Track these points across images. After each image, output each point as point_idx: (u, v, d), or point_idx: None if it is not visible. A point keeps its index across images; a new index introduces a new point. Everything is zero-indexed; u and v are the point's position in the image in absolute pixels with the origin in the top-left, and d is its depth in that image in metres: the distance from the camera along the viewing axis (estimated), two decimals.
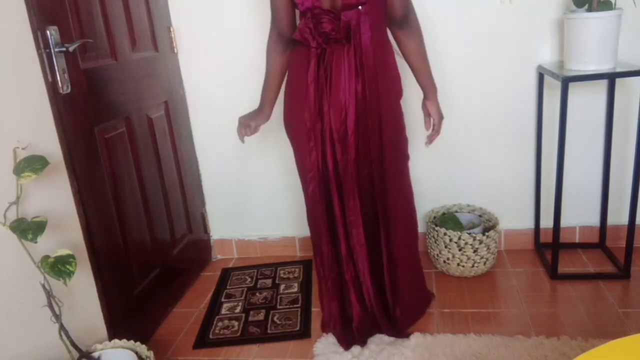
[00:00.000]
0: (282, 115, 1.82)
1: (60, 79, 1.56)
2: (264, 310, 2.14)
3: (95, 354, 1.61)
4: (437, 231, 2.21)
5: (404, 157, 1.83)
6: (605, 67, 1.93)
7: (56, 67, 1.54)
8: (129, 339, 1.67)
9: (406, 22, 1.63)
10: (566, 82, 1.91)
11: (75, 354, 1.52)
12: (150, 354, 1.62)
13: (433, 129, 1.86)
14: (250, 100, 2.20)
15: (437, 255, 2.25)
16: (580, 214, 2.36)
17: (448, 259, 2.21)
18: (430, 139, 1.88)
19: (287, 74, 1.78)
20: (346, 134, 1.68)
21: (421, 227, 2.13)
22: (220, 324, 2.08)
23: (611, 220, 2.32)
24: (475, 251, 2.16)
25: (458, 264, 2.20)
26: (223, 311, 2.17)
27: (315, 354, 1.84)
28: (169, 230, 2.24)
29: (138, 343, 1.66)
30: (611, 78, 2.10)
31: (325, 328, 1.91)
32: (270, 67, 1.79)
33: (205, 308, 2.21)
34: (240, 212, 2.59)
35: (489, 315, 1.98)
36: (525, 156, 2.33)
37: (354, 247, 1.79)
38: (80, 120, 1.67)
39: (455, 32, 2.19)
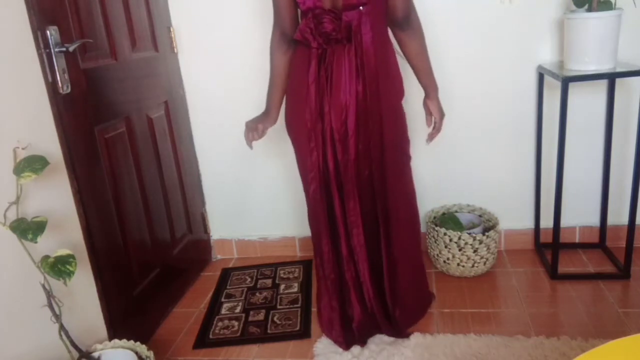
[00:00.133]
0: (283, 115, 1.82)
1: (60, 79, 1.56)
2: (264, 310, 2.14)
3: (95, 354, 1.61)
4: (437, 231, 2.21)
5: (406, 158, 1.83)
6: (605, 67, 1.93)
7: (56, 67, 1.55)
8: (129, 339, 1.67)
9: (407, 22, 1.63)
10: (566, 82, 1.91)
11: (75, 354, 1.52)
12: (150, 354, 1.62)
13: (434, 127, 1.87)
14: (251, 100, 2.20)
15: (437, 255, 2.25)
16: (580, 214, 2.36)
17: (448, 259, 2.21)
18: (431, 137, 1.89)
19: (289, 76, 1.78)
20: (347, 135, 1.68)
21: (421, 227, 2.13)
22: (220, 324, 2.08)
23: (611, 220, 2.32)
24: (475, 251, 2.16)
25: (458, 264, 2.20)
26: (223, 311, 2.17)
27: (315, 354, 1.84)
28: (169, 230, 2.24)
29: (138, 343, 1.66)
30: (611, 78, 2.10)
31: (324, 328, 1.91)
32: (274, 67, 1.78)
33: (205, 308, 2.21)
34: (240, 212, 2.59)
35: (489, 315, 1.98)
36: (525, 156, 2.33)
37: (354, 247, 1.79)
38: (80, 120, 1.67)
39: (455, 32, 2.19)
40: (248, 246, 2.63)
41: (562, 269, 2.20)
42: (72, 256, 1.39)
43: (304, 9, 1.62)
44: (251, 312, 2.14)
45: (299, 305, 2.16)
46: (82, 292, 1.68)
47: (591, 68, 1.93)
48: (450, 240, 2.17)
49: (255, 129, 1.88)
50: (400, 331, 1.87)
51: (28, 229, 1.32)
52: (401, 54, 1.73)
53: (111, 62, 1.87)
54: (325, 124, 1.68)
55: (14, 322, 1.42)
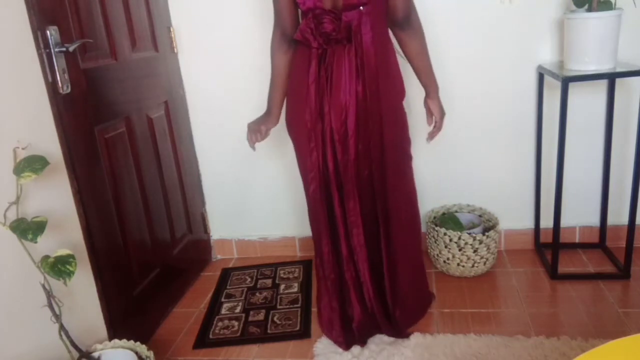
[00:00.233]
0: (283, 115, 1.82)
1: (60, 79, 1.56)
2: (264, 310, 2.14)
3: (95, 354, 1.61)
4: (437, 231, 2.21)
5: (406, 158, 1.83)
6: (605, 67, 1.93)
7: (56, 67, 1.54)
8: (129, 339, 1.67)
9: (408, 22, 1.62)
10: (566, 82, 1.91)
11: (75, 354, 1.52)
12: (150, 354, 1.62)
13: (435, 126, 1.87)
14: (251, 100, 2.20)
15: (437, 255, 2.25)
16: (580, 214, 2.36)
17: (448, 259, 2.21)
18: (431, 136, 1.88)
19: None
20: (347, 135, 1.68)
21: (421, 227, 2.13)
22: (220, 324, 2.08)
23: (611, 220, 2.32)
24: (475, 251, 2.16)
25: (458, 264, 2.20)
26: (223, 311, 2.17)
27: (315, 354, 1.84)
28: (169, 230, 2.24)
29: (138, 343, 1.66)
30: (611, 78, 2.10)
31: (324, 328, 1.91)
32: (275, 67, 1.78)
33: (205, 308, 2.21)
34: (240, 212, 2.59)
35: (489, 315, 1.98)
36: (525, 156, 2.33)
37: (354, 247, 1.79)
38: (80, 120, 1.67)
39: (455, 33, 2.19)
40: (248, 246, 2.63)
41: (562, 269, 2.20)
42: (72, 256, 1.39)
43: (305, 10, 1.62)
44: (251, 312, 2.14)
45: (299, 305, 2.16)
46: (82, 292, 1.68)
47: (591, 68, 1.93)
48: (450, 240, 2.17)
49: (258, 130, 1.87)
50: (400, 331, 1.87)
51: (28, 229, 1.32)
52: (402, 53, 1.73)
53: (111, 62, 1.87)
54: (325, 124, 1.68)
55: (14, 322, 1.42)
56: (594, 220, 2.37)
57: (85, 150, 1.69)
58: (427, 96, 1.82)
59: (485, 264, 2.20)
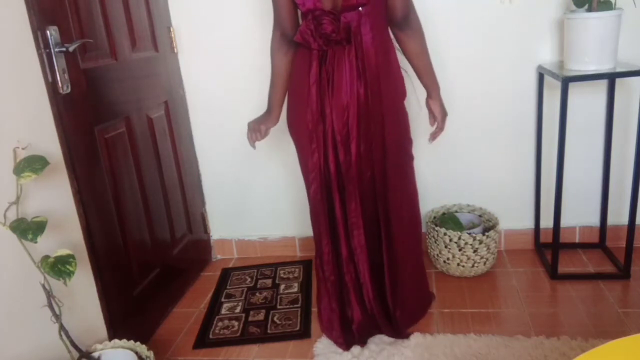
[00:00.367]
0: (284, 115, 1.82)
1: (60, 79, 1.56)
2: (264, 310, 2.14)
3: (95, 354, 1.61)
4: (437, 231, 2.21)
5: (408, 158, 1.82)
6: (605, 67, 1.93)
7: (56, 67, 1.55)
8: (129, 339, 1.67)
9: (407, 22, 1.62)
10: (566, 82, 1.91)
11: (75, 354, 1.52)
12: (150, 354, 1.62)
13: (437, 127, 1.86)
14: (251, 100, 2.20)
15: (437, 255, 2.25)
16: (580, 214, 2.36)
17: (448, 259, 2.21)
18: (433, 136, 1.88)
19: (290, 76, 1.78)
20: (348, 136, 1.68)
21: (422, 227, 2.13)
22: (220, 324, 2.08)
23: (611, 220, 2.32)
24: (475, 251, 2.16)
25: (458, 264, 2.20)
26: (223, 311, 2.17)
27: (315, 354, 1.84)
28: (169, 230, 2.24)
29: (138, 343, 1.66)
30: (611, 78, 2.10)
31: (324, 329, 1.91)
32: (275, 67, 1.78)
33: (205, 308, 2.21)
34: (240, 212, 2.59)
35: (489, 315, 1.98)
36: (525, 156, 2.33)
37: (354, 248, 1.79)
38: (80, 120, 1.67)
39: (455, 33, 2.19)
40: (248, 246, 2.63)
41: (562, 269, 2.20)
42: (72, 256, 1.39)
43: (304, 11, 1.62)
44: (251, 312, 2.14)
45: (299, 305, 2.16)
46: (82, 292, 1.68)
47: (591, 68, 1.93)
48: (450, 240, 2.17)
49: (257, 129, 1.88)
50: (400, 331, 1.87)
51: (28, 229, 1.32)
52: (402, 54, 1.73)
53: (111, 62, 1.87)
54: (327, 126, 1.68)
55: (14, 322, 1.42)
56: (594, 220, 2.37)
57: (85, 150, 1.69)
58: (428, 96, 1.82)
59: (485, 264, 2.20)
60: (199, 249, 2.54)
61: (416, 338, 1.85)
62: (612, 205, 2.30)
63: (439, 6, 2.16)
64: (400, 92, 1.75)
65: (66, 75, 1.58)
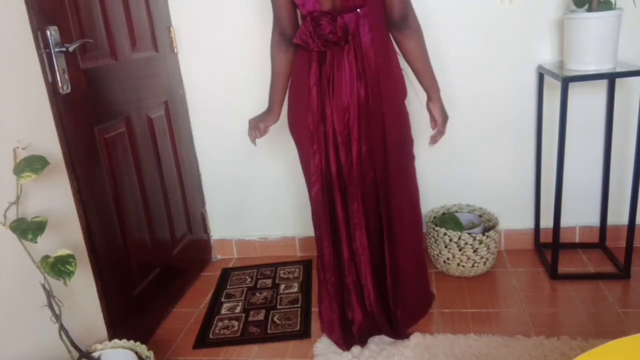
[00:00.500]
0: (284, 114, 1.82)
1: (60, 79, 1.56)
2: (264, 310, 2.14)
3: (95, 354, 1.61)
4: (437, 231, 2.21)
5: (409, 158, 1.82)
6: (605, 67, 1.93)
7: (56, 67, 1.55)
8: (129, 339, 1.67)
9: (405, 23, 1.62)
10: (566, 82, 1.91)
11: (75, 354, 1.52)
12: (150, 354, 1.62)
13: (437, 130, 1.84)
14: (251, 100, 2.20)
15: (437, 255, 2.25)
16: (580, 214, 2.36)
17: (448, 259, 2.21)
18: (433, 140, 1.86)
19: (290, 76, 1.78)
20: (349, 137, 1.68)
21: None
22: (220, 324, 2.08)
23: (611, 220, 2.32)
24: (475, 251, 2.16)
25: (458, 264, 2.20)
26: (223, 311, 2.17)
27: (315, 354, 1.84)
28: (169, 230, 2.24)
29: (138, 343, 1.66)
30: (611, 78, 2.10)
31: (325, 330, 1.91)
32: (275, 67, 1.78)
33: (205, 308, 2.21)
34: (240, 212, 2.59)
35: (489, 315, 1.98)
36: (525, 156, 2.33)
37: (356, 249, 1.79)
38: (80, 120, 1.67)
39: (455, 32, 2.19)
40: (248, 246, 2.63)
41: (562, 269, 2.20)
42: (72, 256, 1.39)
43: (305, 13, 1.62)
44: (251, 312, 2.14)
45: (299, 305, 2.16)
46: (82, 292, 1.68)
47: (591, 68, 1.93)
48: (450, 240, 2.17)
49: (257, 127, 1.89)
50: (400, 332, 1.87)
51: (28, 229, 1.32)
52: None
53: (111, 62, 1.87)
54: (328, 127, 1.68)
55: (14, 322, 1.41)
56: (594, 220, 2.37)
57: (85, 150, 1.69)
58: (429, 99, 1.80)
59: (485, 264, 2.20)
60: (199, 249, 2.54)
61: (416, 338, 1.85)
62: (612, 205, 2.30)
63: (439, 6, 2.16)
64: (400, 93, 1.75)
65: (66, 75, 1.58)
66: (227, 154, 2.49)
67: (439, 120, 1.82)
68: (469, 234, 2.17)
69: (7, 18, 1.42)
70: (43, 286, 1.41)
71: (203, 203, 2.59)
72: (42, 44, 1.51)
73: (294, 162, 1.86)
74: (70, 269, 1.37)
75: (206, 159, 2.53)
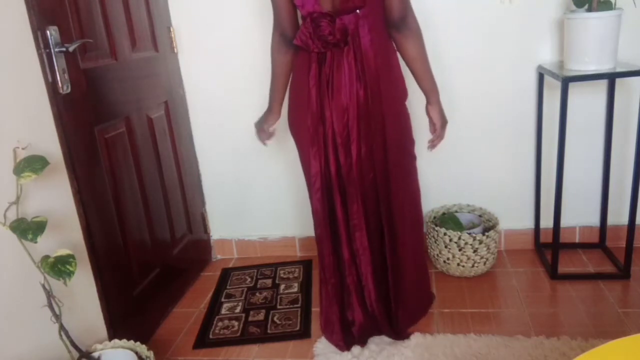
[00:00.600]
0: (285, 114, 1.82)
1: (60, 79, 1.56)
2: (264, 310, 2.14)
3: (95, 354, 1.61)
4: (437, 231, 2.21)
5: (410, 158, 1.82)
6: (605, 67, 1.93)
7: (56, 67, 1.55)
8: (129, 339, 1.67)
9: (404, 24, 1.61)
10: (566, 82, 1.91)
11: (75, 354, 1.52)
12: (150, 354, 1.62)
13: (435, 134, 1.83)
14: (251, 100, 2.21)
15: (437, 255, 2.25)
16: (580, 214, 2.36)
17: (448, 259, 2.21)
18: (432, 144, 1.84)
19: (290, 77, 1.78)
20: (349, 138, 1.68)
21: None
22: (220, 324, 2.08)
23: (611, 220, 2.32)
24: (475, 251, 2.16)
25: (458, 264, 2.20)
26: (223, 311, 2.17)
27: (315, 354, 1.84)
28: (169, 230, 2.24)
29: (138, 343, 1.66)
30: (611, 78, 2.10)
31: (325, 331, 1.91)
32: (275, 67, 1.79)
33: (205, 308, 2.21)
34: (240, 212, 2.59)
35: (489, 315, 1.98)
36: (525, 156, 2.33)
37: (356, 250, 1.79)
38: (80, 120, 1.67)
39: (455, 32, 2.19)
40: (248, 246, 2.63)
41: (562, 269, 2.20)
42: (72, 256, 1.39)
43: (304, 14, 1.62)
44: (251, 312, 2.14)
45: (299, 305, 2.16)
46: (82, 292, 1.68)
47: (591, 68, 1.93)
48: (450, 240, 2.17)
49: (262, 130, 1.92)
50: (401, 332, 1.87)
51: (28, 229, 1.32)
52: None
53: (111, 62, 1.87)
54: (327, 128, 1.68)
55: (14, 322, 1.41)
56: (594, 220, 2.37)
57: (85, 150, 1.69)
58: (427, 102, 1.79)
59: (485, 264, 2.20)
60: (199, 249, 2.54)
61: (416, 338, 1.85)
62: (612, 205, 2.31)
63: (439, 6, 2.16)
64: (400, 93, 1.74)
65: (66, 75, 1.58)
66: (227, 154, 2.49)
67: (438, 124, 1.80)
68: (469, 234, 2.17)
69: (7, 18, 1.42)
70: (43, 286, 1.41)
71: (203, 203, 2.59)
72: (42, 44, 1.51)
73: (294, 162, 1.86)
74: (70, 269, 1.37)
75: (206, 159, 2.53)
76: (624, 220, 2.14)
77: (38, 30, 1.50)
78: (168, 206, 2.23)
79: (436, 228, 2.22)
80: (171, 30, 2.32)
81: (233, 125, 2.42)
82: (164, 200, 2.20)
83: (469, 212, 2.36)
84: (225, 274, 2.48)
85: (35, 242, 1.31)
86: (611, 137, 2.22)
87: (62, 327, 1.46)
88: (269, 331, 2.01)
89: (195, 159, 2.52)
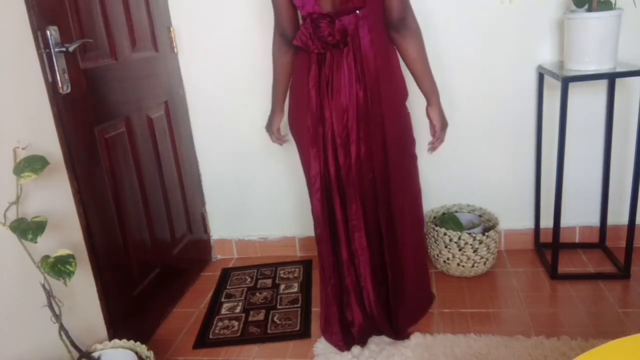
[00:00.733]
0: (286, 115, 1.83)
1: (60, 79, 1.56)
2: (264, 310, 2.14)
3: (95, 354, 1.61)
4: (437, 231, 2.21)
5: (411, 158, 1.82)
6: (605, 67, 1.93)
7: (56, 67, 1.55)
8: (129, 339, 1.67)
9: (404, 24, 1.61)
10: (566, 82, 1.91)
11: (75, 354, 1.52)
12: (150, 354, 1.62)
13: (435, 137, 1.82)
14: (251, 100, 2.21)
15: (437, 255, 2.25)
16: (580, 214, 2.36)
17: (448, 259, 2.21)
18: (432, 147, 1.83)
19: (291, 78, 1.78)
20: (348, 138, 1.68)
21: None
22: (220, 324, 2.08)
23: (611, 220, 2.32)
24: (475, 251, 2.16)
25: (458, 264, 2.20)
26: (223, 311, 2.17)
27: (315, 354, 1.84)
28: (169, 230, 2.24)
29: (138, 343, 1.66)
30: (611, 78, 2.10)
31: (324, 332, 1.91)
32: (276, 67, 1.79)
33: (205, 308, 2.21)
34: (240, 212, 2.59)
35: (489, 315, 1.98)
36: (525, 156, 2.33)
37: (355, 251, 1.79)
38: (80, 120, 1.67)
39: (455, 32, 2.19)
40: (248, 246, 2.63)
41: (562, 269, 2.20)
42: (72, 256, 1.39)
43: (304, 14, 1.62)
44: (251, 312, 2.14)
45: (299, 305, 2.16)
46: (82, 292, 1.68)
47: (591, 68, 1.93)
48: (450, 240, 2.17)
49: (272, 132, 1.94)
50: (400, 332, 1.87)
51: (28, 229, 1.32)
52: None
53: (111, 62, 1.87)
54: (327, 128, 1.68)
55: (14, 322, 1.42)
56: (594, 220, 2.37)
57: (85, 150, 1.69)
58: (428, 104, 1.78)
59: (485, 264, 2.20)
60: (199, 249, 2.54)
61: (416, 338, 1.85)
62: (612, 205, 2.31)
63: (439, 6, 2.16)
64: (400, 94, 1.74)
65: (66, 75, 1.58)
66: (227, 154, 2.49)
67: (438, 127, 1.79)
68: (469, 234, 2.17)
69: (7, 18, 1.42)
70: (43, 286, 1.41)
71: (203, 203, 2.59)
72: (42, 44, 1.51)
73: (294, 162, 1.86)
74: (70, 269, 1.37)
75: (206, 159, 2.53)
76: (624, 220, 2.14)
77: (38, 30, 1.50)
78: (168, 206, 2.23)
79: (436, 228, 2.22)
80: (171, 30, 2.32)
81: (233, 125, 2.42)
82: (164, 200, 2.20)
83: (469, 212, 2.36)
84: (225, 274, 2.48)
85: (35, 242, 1.31)
86: (611, 137, 2.22)
87: (62, 327, 1.46)
88: (269, 331, 2.01)
89: (195, 159, 2.52)
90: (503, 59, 2.21)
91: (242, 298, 2.25)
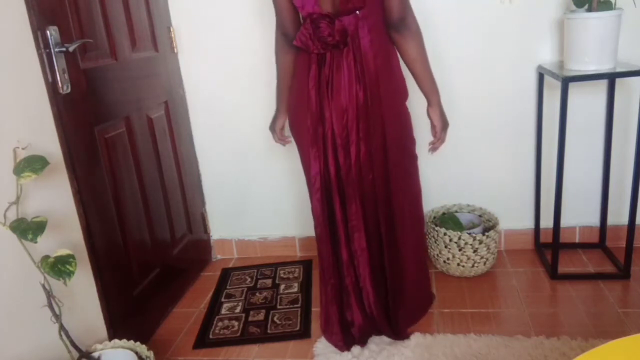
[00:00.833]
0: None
1: (60, 79, 1.56)
2: (264, 310, 2.14)
3: (95, 354, 1.61)
4: (437, 231, 2.21)
5: (411, 158, 1.82)
6: (605, 67, 1.93)
7: (56, 67, 1.55)
8: (129, 339, 1.67)
9: (403, 25, 1.60)
10: (566, 82, 1.91)
11: (75, 354, 1.52)
12: (150, 354, 1.62)
13: (436, 137, 1.81)
14: (251, 100, 2.21)
15: (437, 255, 2.25)
16: (580, 214, 2.36)
17: (448, 259, 2.21)
18: (433, 147, 1.83)
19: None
20: (348, 139, 1.68)
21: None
22: (220, 324, 2.08)
23: (611, 220, 2.32)
24: (475, 251, 2.16)
25: (458, 264, 2.20)
26: (223, 311, 2.17)
27: (315, 354, 1.84)
28: (169, 230, 2.24)
29: (138, 343, 1.66)
30: (611, 78, 2.10)
31: (324, 332, 1.91)
32: (279, 67, 1.79)
33: (205, 308, 2.21)
34: (240, 212, 2.59)
35: (489, 315, 1.98)
36: (525, 156, 2.33)
37: (355, 251, 1.79)
38: (80, 120, 1.67)
39: (455, 32, 2.19)
40: (248, 246, 2.63)
41: (562, 269, 2.20)
42: (72, 256, 1.39)
43: (304, 15, 1.62)
44: (251, 312, 2.14)
45: (299, 305, 2.16)
46: (82, 292, 1.68)
47: (591, 68, 1.93)
48: (450, 240, 2.17)
49: (275, 132, 1.94)
50: (400, 332, 1.87)
51: (28, 229, 1.32)
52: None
53: (111, 62, 1.87)
54: (327, 129, 1.68)
55: (14, 322, 1.42)
56: (594, 220, 2.37)
57: (85, 150, 1.69)
58: (428, 105, 1.77)
59: (485, 264, 2.20)
60: (199, 249, 2.54)
61: (416, 338, 1.85)
62: (612, 205, 2.31)
63: (439, 6, 2.16)
64: (400, 94, 1.74)
65: (66, 75, 1.58)
66: (227, 154, 2.49)
67: (438, 127, 1.78)
68: (469, 234, 2.17)
69: (7, 18, 1.42)
70: (43, 286, 1.41)
71: (203, 203, 2.59)
72: (42, 44, 1.51)
73: (294, 162, 1.86)
74: (70, 269, 1.37)
75: (206, 159, 2.53)
76: (624, 220, 2.14)
77: (38, 30, 1.50)
78: (168, 206, 2.23)
79: (436, 228, 2.22)
80: (171, 30, 2.32)
81: (233, 125, 2.42)
82: (164, 200, 2.20)
83: (469, 212, 2.37)
84: (225, 274, 2.48)
85: (35, 242, 1.31)
86: (611, 137, 2.22)
87: (62, 327, 1.46)
88: (269, 331, 2.01)
89: (195, 159, 2.52)
90: (503, 59, 2.21)
91: (242, 298, 2.25)
